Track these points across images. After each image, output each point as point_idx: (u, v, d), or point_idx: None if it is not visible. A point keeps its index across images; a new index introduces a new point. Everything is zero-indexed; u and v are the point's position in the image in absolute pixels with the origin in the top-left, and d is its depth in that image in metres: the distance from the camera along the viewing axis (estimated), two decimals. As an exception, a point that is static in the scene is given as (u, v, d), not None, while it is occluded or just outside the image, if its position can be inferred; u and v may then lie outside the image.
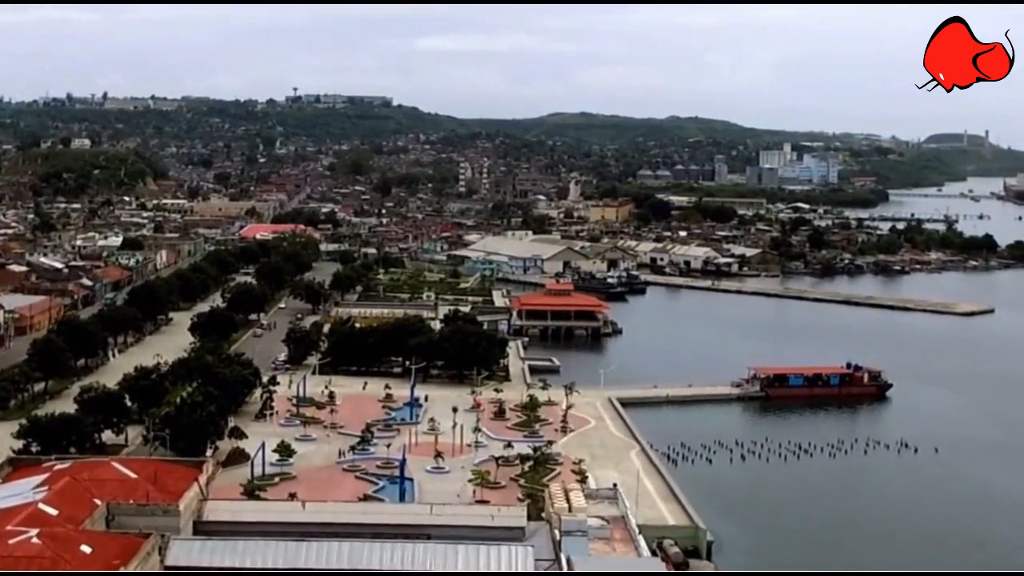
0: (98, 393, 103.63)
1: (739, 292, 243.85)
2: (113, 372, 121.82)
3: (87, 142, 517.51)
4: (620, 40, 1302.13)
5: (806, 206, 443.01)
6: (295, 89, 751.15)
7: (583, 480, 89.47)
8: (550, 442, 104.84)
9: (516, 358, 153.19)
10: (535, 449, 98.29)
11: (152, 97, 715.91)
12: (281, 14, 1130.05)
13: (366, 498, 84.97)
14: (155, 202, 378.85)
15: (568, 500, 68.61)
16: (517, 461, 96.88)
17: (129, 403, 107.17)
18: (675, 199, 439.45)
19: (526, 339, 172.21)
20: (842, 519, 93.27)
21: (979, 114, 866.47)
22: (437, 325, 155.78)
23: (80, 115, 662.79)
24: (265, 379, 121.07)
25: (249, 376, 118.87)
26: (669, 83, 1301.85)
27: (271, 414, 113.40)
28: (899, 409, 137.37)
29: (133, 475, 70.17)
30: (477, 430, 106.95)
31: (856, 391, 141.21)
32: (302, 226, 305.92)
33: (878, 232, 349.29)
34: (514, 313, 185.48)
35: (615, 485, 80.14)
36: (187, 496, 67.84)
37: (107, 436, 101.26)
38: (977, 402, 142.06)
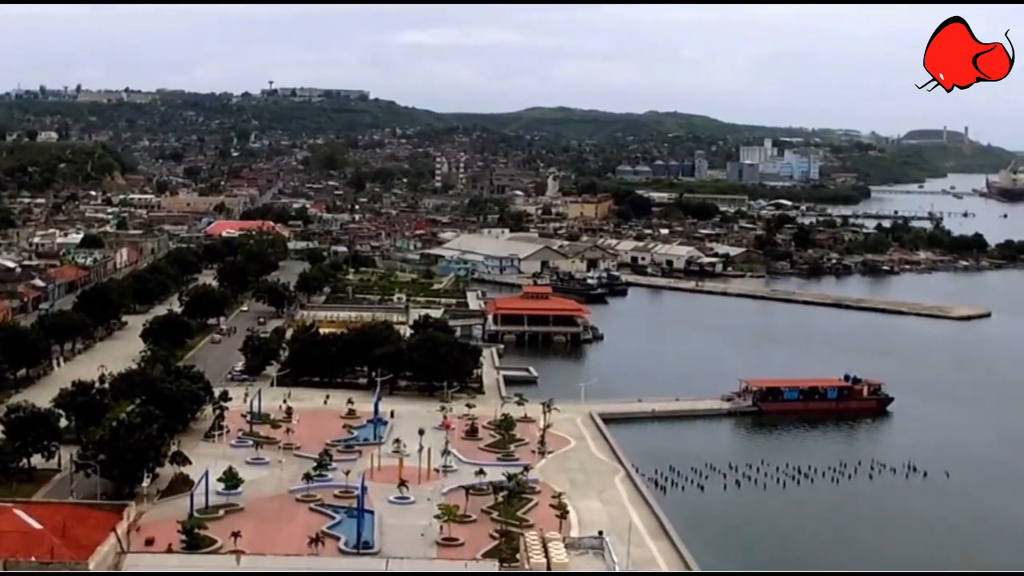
0: (26, 413, 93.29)
1: (724, 294, 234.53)
2: (56, 383, 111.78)
3: (54, 135, 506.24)
4: (598, 35, 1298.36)
5: (788, 203, 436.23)
6: (271, 82, 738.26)
7: (563, 516, 80.00)
8: (527, 467, 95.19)
9: (491, 367, 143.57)
10: (509, 477, 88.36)
11: (126, 90, 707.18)
12: (259, 7, 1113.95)
13: (319, 537, 75.22)
14: (121, 197, 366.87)
15: (547, 553, 59.05)
16: (489, 490, 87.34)
17: (67, 421, 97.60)
18: (655, 195, 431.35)
19: (501, 346, 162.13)
20: (852, 560, 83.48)
21: (958, 111, 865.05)
22: (407, 330, 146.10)
23: (52, 108, 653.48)
24: (217, 393, 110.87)
25: (199, 391, 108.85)
26: (648, 78, 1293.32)
27: (220, 434, 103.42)
28: (902, 426, 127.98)
29: (38, 525, 60.26)
30: (446, 452, 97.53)
31: (855, 405, 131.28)
32: (270, 223, 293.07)
33: (864, 230, 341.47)
34: (489, 317, 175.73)
35: (600, 533, 70.67)
36: (100, 550, 58.13)
37: (38, 460, 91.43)
38: (984, 416, 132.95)
